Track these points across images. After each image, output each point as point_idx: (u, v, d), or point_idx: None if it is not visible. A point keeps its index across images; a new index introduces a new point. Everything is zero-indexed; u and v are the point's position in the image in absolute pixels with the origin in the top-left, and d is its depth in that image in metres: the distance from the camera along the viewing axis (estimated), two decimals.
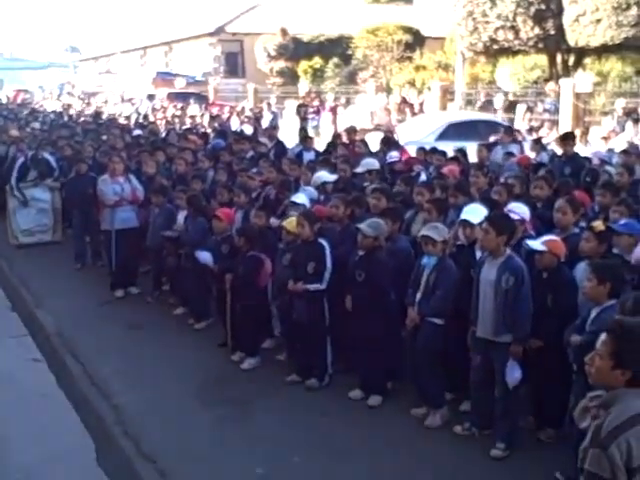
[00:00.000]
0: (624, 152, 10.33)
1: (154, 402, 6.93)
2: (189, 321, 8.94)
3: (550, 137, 14.52)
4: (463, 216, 6.48)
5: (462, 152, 11.40)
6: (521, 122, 19.00)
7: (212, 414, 6.67)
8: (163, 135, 16.99)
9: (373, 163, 9.99)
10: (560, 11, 23.24)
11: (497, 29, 24.66)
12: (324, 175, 9.34)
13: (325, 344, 7.16)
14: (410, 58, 32.10)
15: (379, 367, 6.78)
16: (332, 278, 7.03)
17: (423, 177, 10.14)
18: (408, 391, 6.68)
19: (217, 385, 7.29)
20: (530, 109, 20.72)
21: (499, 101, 22.16)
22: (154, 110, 25.97)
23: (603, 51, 24.28)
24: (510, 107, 21.60)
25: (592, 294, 5.20)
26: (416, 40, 33.49)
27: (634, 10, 21.08)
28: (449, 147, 12.24)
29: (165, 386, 7.26)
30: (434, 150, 11.31)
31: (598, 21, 21.84)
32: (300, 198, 8.17)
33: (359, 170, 9.90)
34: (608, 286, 5.10)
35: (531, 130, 17.17)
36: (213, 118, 20.02)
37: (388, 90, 27.17)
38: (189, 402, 6.92)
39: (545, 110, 20.24)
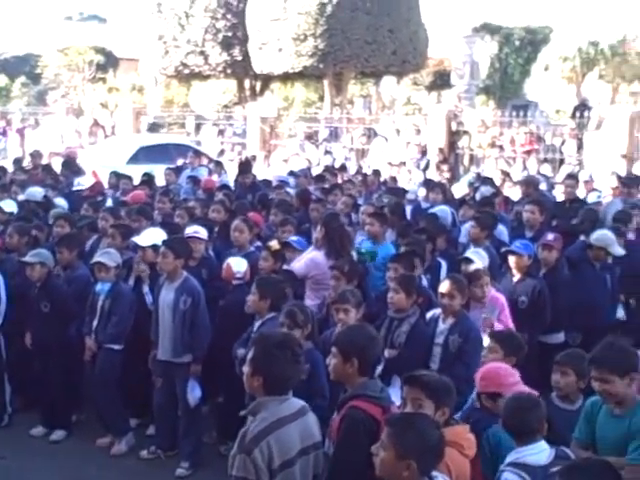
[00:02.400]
0: (292, 173, 11.17)
1: None
2: None
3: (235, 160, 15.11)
4: (135, 239, 6.58)
5: (149, 176, 11.48)
6: (211, 145, 19.56)
7: None
8: None
9: (34, 194, 9.61)
10: (246, 39, 24.40)
11: (187, 54, 25.23)
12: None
13: (3, 382, 6.79)
14: (103, 79, 31.57)
15: (62, 401, 6.59)
16: (9, 311, 6.70)
17: (110, 202, 10.05)
18: (95, 422, 6.57)
19: None
20: (221, 132, 21.45)
21: (191, 124, 22.64)
22: None
23: (287, 78, 25.97)
24: (202, 130, 22.16)
25: (254, 307, 5.60)
26: (109, 61, 33.11)
27: (310, 42, 22.82)
28: (140, 170, 12.26)
29: None
30: (119, 174, 11.28)
31: (280, 50, 23.29)
32: None
33: (21, 199, 9.54)
34: (269, 300, 5.51)
35: (222, 153, 17.79)
36: None
37: (80, 112, 26.43)
38: None
39: (235, 134, 21.06)
